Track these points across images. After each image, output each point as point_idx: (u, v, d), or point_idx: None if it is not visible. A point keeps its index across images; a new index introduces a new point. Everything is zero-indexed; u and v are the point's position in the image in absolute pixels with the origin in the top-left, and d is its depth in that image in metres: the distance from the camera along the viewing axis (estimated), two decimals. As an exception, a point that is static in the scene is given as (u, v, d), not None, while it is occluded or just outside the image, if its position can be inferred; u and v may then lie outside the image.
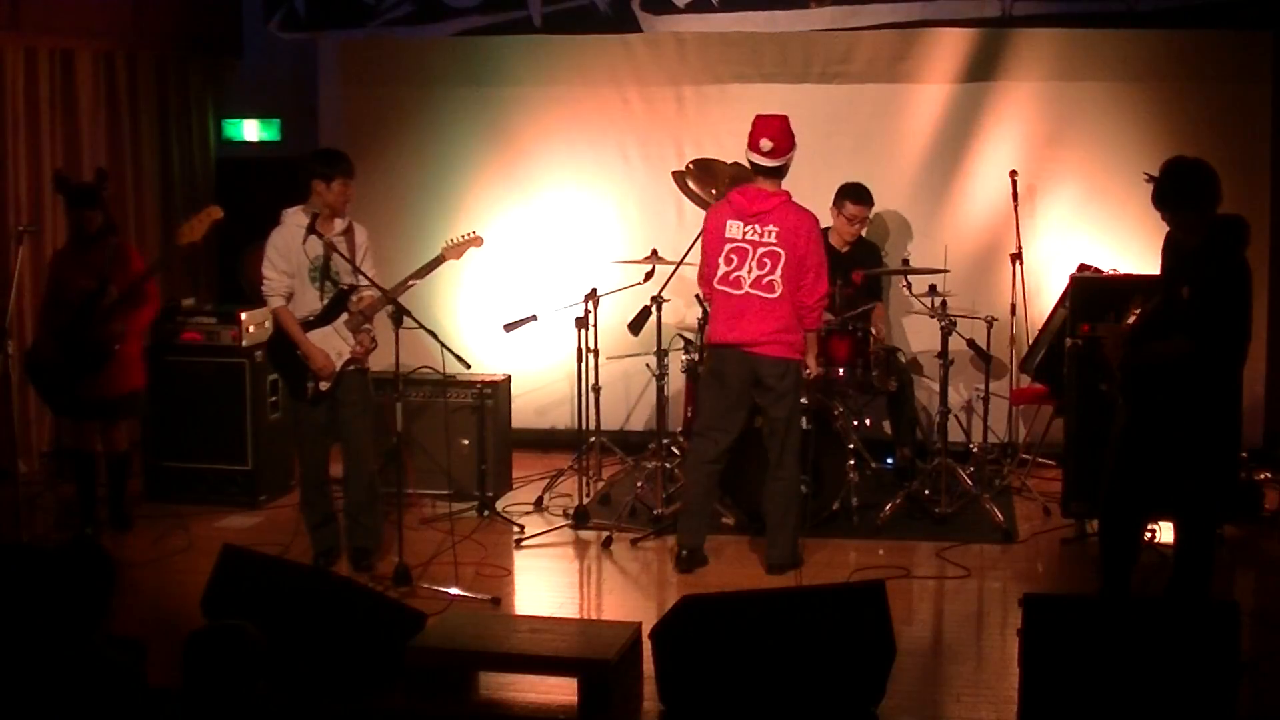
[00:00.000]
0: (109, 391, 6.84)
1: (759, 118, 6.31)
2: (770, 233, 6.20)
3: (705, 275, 6.44)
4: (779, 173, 6.29)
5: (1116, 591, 5.61)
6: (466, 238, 6.64)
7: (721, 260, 6.29)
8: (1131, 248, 7.63)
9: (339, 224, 6.30)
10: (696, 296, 7.19)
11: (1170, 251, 5.53)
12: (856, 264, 7.47)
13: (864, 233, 7.77)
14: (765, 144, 6.23)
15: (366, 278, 6.26)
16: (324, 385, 6.30)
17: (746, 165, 6.41)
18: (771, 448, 6.34)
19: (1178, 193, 5.34)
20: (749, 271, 6.22)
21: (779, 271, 6.18)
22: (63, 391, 6.81)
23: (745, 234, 6.25)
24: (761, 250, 6.21)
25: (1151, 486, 5.54)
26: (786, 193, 6.30)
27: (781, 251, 6.18)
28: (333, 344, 6.29)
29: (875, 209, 7.83)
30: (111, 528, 7.02)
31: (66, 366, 6.73)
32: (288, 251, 6.25)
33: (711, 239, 6.36)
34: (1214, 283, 5.28)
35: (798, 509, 6.44)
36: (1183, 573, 5.56)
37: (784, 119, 6.30)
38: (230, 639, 3.81)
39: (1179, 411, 5.40)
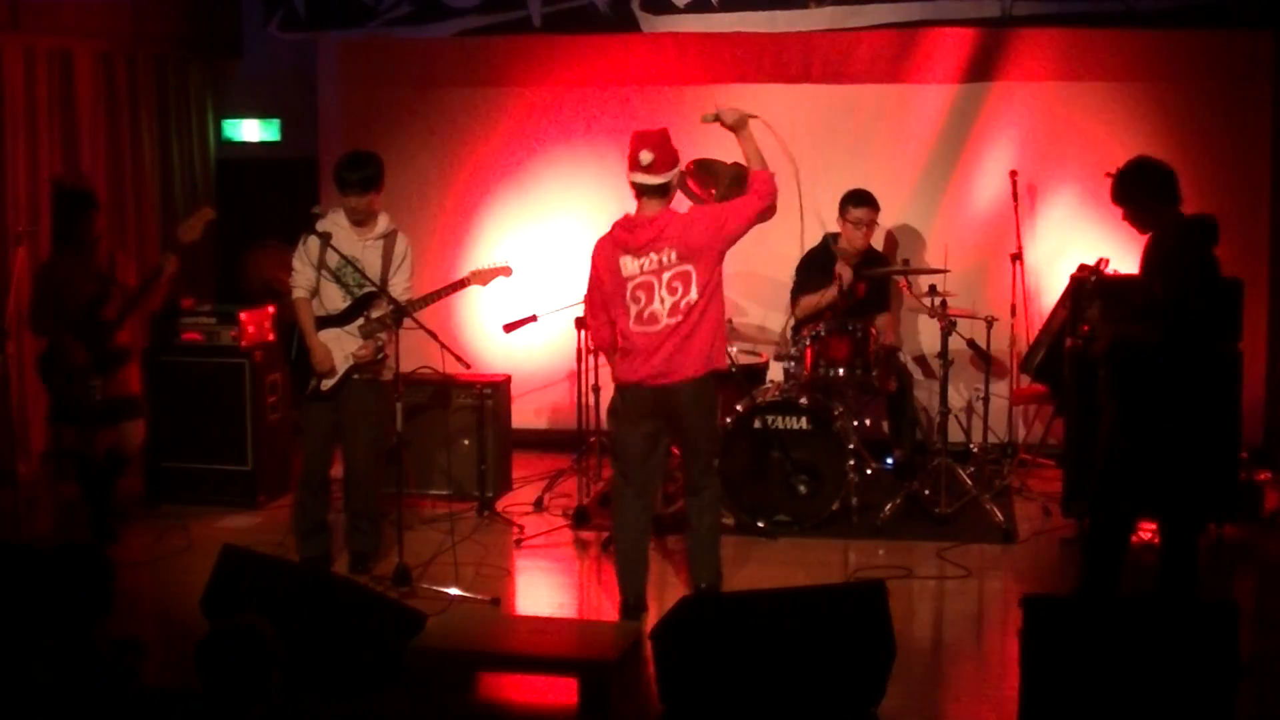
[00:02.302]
0: (123, 391, 6.89)
1: (636, 132, 5.78)
2: (670, 255, 5.65)
3: (596, 313, 5.90)
4: (664, 190, 5.73)
5: (1100, 592, 5.63)
6: (496, 266, 6.69)
7: (629, 300, 5.72)
8: (1132, 248, 7.54)
9: (377, 228, 6.30)
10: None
11: (1146, 252, 5.65)
12: (863, 277, 7.46)
13: (873, 242, 7.74)
14: (645, 156, 5.66)
15: (373, 284, 6.22)
16: (325, 384, 6.31)
17: (648, 185, 5.80)
18: (691, 466, 5.97)
19: (1128, 188, 5.59)
20: (661, 303, 5.68)
21: (694, 289, 5.65)
22: (86, 396, 6.80)
23: (644, 267, 5.69)
24: (669, 275, 5.66)
25: (1141, 486, 5.57)
26: (671, 209, 5.80)
27: (691, 269, 5.64)
28: (344, 346, 6.30)
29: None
30: (108, 540, 6.98)
31: (93, 371, 6.75)
32: (304, 248, 6.30)
33: (607, 278, 5.79)
34: (1182, 277, 5.43)
35: (720, 521, 6.16)
36: (1170, 572, 5.58)
37: (664, 131, 5.77)
38: (245, 636, 3.82)
39: (1156, 407, 5.48)
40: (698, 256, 5.69)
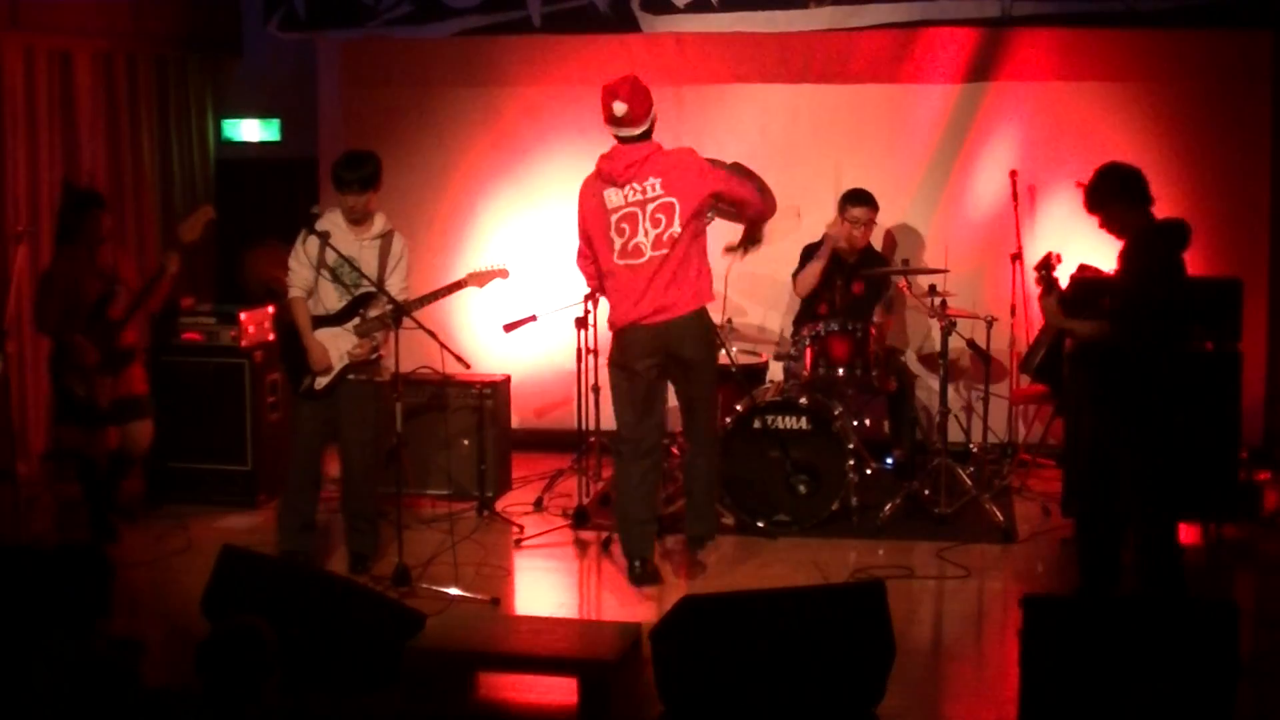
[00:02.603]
0: (130, 391, 6.92)
1: (605, 86, 5.88)
2: (653, 185, 5.79)
3: (585, 254, 6.06)
4: (645, 138, 5.88)
5: (1097, 592, 5.65)
6: (493, 268, 6.67)
7: (613, 234, 5.86)
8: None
9: (374, 228, 6.30)
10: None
11: (1120, 256, 5.70)
12: (862, 276, 7.47)
13: (873, 241, 7.75)
14: (619, 108, 5.80)
15: (373, 284, 6.23)
16: (319, 383, 6.31)
17: (631, 136, 5.98)
18: (691, 428, 6.12)
19: (1096, 194, 5.63)
20: (645, 235, 5.81)
21: (677, 221, 5.77)
22: (94, 396, 6.81)
23: (628, 197, 5.81)
24: (652, 206, 5.79)
25: (1117, 486, 5.63)
26: (655, 144, 5.90)
27: (674, 200, 5.77)
28: (339, 345, 6.30)
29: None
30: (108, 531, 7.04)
31: (105, 370, 6.77)
32: (303, 247, 6.31)
33: (592, 215, 5.94)
34: (1138, 276, 5.50)
35: (718, 476, 6.37)
36: (1144, 573, 5.62)
37: (632, 77, 5.90)
38: (245, 637, 3.82)
39: (1115, 406, 5.57)
40: (683, 189, 5.80)
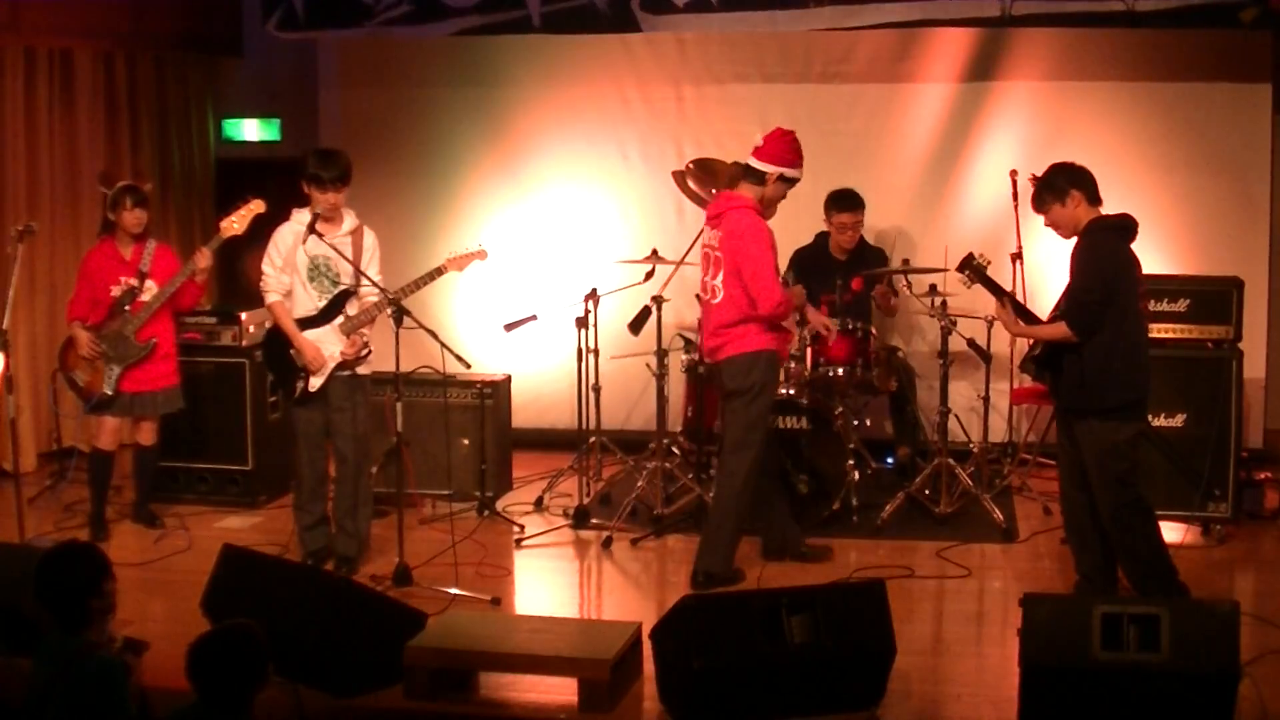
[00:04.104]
0: (147, 387, 6.92)
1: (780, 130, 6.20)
2: (716, 237, 6.18)
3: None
4: (757, 177, 6.09)
5: (1093, 589, 5.66)
6: (470, 251, 6.60)
7: (701, 267, 6.32)
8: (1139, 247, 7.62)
9: (345, 225, 6.30)
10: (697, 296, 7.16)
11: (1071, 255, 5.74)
12: (857, 270, 7.46)
13: (862, 236, 7.75)
14: (758, 137, 6.17)
15: (370, 281, 6.24)
16: (314, 384, 6.30)
17: (745, 164, 6.31)
18: (725, 443, 6.22)
19: (1048, 190, 5.67)
20: (712, 276, 6.20)
21: (721, 277, 6.13)
22: (96, 386, 6.83)
23: (708, 239, 6.26)
24: (715, 255, 6.19)
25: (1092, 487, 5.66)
26: (747, 200, 6.10)
27: (723, 256, 6.14)
28: (328, 344, 6.29)
29: (875, 210, 7.82)
30: (144, 523, 7.15)
31: (110, 362, 6.78)
32: (285, 250, 6.27)
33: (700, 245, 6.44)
34: (1086, 274, 5.55)
35: (736, 515, 6.19)
36: (1133, 576, 5.65)
37: (792, 133, 6.17)
38: (236, 642, 3.82)
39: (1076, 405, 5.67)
40: (728, 253, 6.08)
